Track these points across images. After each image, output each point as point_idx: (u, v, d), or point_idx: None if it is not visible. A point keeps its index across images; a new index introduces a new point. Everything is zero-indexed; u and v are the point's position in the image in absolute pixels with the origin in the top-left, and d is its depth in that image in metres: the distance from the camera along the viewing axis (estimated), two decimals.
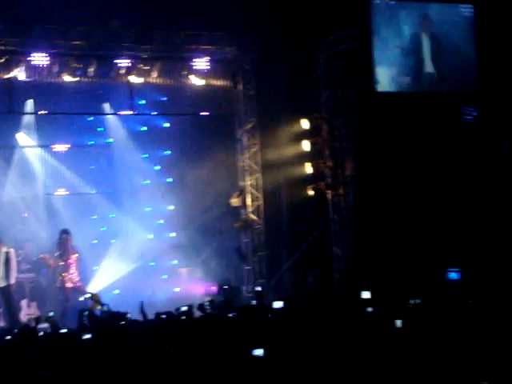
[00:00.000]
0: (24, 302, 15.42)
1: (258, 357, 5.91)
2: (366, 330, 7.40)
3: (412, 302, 9.14)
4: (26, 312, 15.23)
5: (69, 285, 14.80)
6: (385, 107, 15.24)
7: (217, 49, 16.75)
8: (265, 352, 5.89)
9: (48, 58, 15.38)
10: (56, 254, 14.89)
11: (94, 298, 13.50)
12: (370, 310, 8.77)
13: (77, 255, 14.94)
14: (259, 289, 14.88)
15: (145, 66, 16.30)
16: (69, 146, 17.42)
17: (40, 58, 15.38)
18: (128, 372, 6.42)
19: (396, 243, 14.76)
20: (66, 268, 14.85)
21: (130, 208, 17.31)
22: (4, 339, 9.43)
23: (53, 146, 17.38)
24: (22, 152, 17.27)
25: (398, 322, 7.37)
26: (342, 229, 16.08)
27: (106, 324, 8.72)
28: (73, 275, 14.87)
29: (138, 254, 16.95)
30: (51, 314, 12.10)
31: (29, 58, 15.27)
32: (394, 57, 15.38)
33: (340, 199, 16.25)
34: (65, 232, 15.02)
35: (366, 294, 9.98)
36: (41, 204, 17.05)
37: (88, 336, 7.91)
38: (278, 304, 8.81)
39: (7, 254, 14.37)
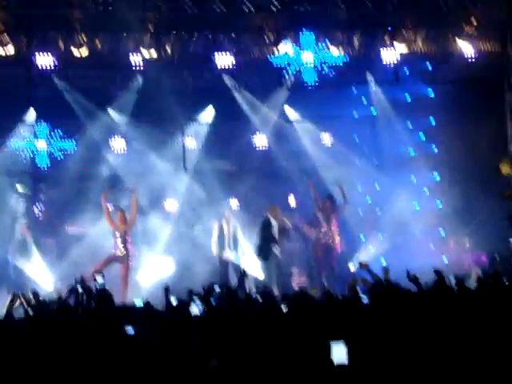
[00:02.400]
0: (295, 270, 15.93)
1: None
2: None
3: None
4: (298, 280, 15.73)
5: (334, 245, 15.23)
6: None
7: (484, 12, 16.14)
8: None
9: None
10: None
11: (364, 266, 13.61)
12: None
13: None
14: None
15: (409, 33, 16.13)
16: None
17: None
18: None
19: None
20: (329, 233, 15.23)
21: (395, 178, 17.20)
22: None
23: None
24: (290, 125, 17.79)
25: None
26: None
27: (384, 292, 8.72)
28: (335, 239, 15.20)
29: (403, 224, 16.85)
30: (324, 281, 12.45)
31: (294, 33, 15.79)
32: None
33: None
34: (330, 197, 15.37)
35: None
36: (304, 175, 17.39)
37: (366, 301, 8.00)
38: None
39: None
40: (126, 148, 17.20)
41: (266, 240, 14.65)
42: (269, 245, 14.63)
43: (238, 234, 15.35)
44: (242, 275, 11.38)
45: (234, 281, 13.32)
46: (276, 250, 14.69)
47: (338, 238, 15.24)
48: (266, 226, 14.74)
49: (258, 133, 17.64)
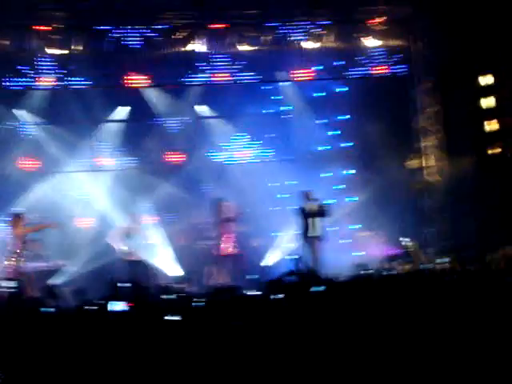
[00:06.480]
0: (208, 269, 15.86)
1: None
2: None
3: None
4: (214, 278, 15.64)
5: (224, 252, 15.11)
6: None
7: (392, 8, 16.44)
8: None
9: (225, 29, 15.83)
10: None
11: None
12: None
13: (232, 223, 15.12)
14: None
15: (320, 30, 16.27)
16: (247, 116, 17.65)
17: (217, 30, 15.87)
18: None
19: None
20: (220, 236, 15.14)
21: (309, 174, 17.27)
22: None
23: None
24: (201, 123, 17.71)
25: None
26: None
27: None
28: (228, 243, 15.19)
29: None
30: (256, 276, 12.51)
31: (207, 30, 15.77)
32: None
33: None
34: (219, 200, 15.31)
35: None
36: (217, 172, 17.34)
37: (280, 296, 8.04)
38: None
39: None
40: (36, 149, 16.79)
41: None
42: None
43: (146, 234, 15.34)
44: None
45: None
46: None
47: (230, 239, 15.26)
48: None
49: (171, 130, 17.50)
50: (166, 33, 15.97)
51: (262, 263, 15.90)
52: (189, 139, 17.43)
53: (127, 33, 15.89)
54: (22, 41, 15.26)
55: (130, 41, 15.90)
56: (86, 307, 8.43)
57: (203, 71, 16.74)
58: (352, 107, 17.60)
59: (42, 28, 15.37)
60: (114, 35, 15.84)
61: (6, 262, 13.45)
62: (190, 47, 16.12)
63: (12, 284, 9.40)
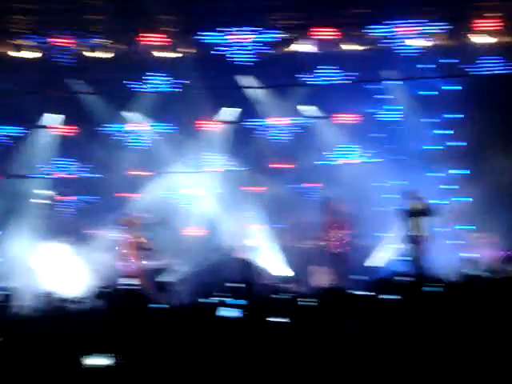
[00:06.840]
0: (313, 268, 15.81)
1: None
2: None
3: None
4: (320, 278, 15.60)
5: (333, 250, 15.11)
6: None
7: (505, 4, 15.99)
8: None
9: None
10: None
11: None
12: None
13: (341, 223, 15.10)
14: None
15: (432, 28, 16.00)
16: (354, 116, 17.51)
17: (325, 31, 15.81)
18: None
19: None
20: (329, 236, 15.14)
21: (419, 174, 16.95)
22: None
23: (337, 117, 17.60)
24: (308, 123, 17.65)
25: None
26: None
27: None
28: (336, 242, 15.07)
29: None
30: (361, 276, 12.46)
31: (314, 30, 15.72)
32: None
33: None
34: (328, 199, 15.32)
35: None
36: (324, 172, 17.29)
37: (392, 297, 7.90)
38: None
39: None
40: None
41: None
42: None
43: (254, 234, 15.43)
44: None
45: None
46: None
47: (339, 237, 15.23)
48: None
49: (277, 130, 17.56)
50: (273, 34, 16.03)
51: (368, 263, 15.74)
52: (295, 139, 17.45)
53: (235, 35, 16.02)
54: (133, 44, 15.64)
55: (238, 42, 16.03)
56: (198, 305, 8.54)
57: (310, 71, 16.73)
58: (465, 106, 17.18)
59: (152, 33, 15.73)
60: (222, 38, 16.03)
61: (123, 261, 13.94)
62: (296, 48, 16.15)
63: (129, 281, 9.64)
